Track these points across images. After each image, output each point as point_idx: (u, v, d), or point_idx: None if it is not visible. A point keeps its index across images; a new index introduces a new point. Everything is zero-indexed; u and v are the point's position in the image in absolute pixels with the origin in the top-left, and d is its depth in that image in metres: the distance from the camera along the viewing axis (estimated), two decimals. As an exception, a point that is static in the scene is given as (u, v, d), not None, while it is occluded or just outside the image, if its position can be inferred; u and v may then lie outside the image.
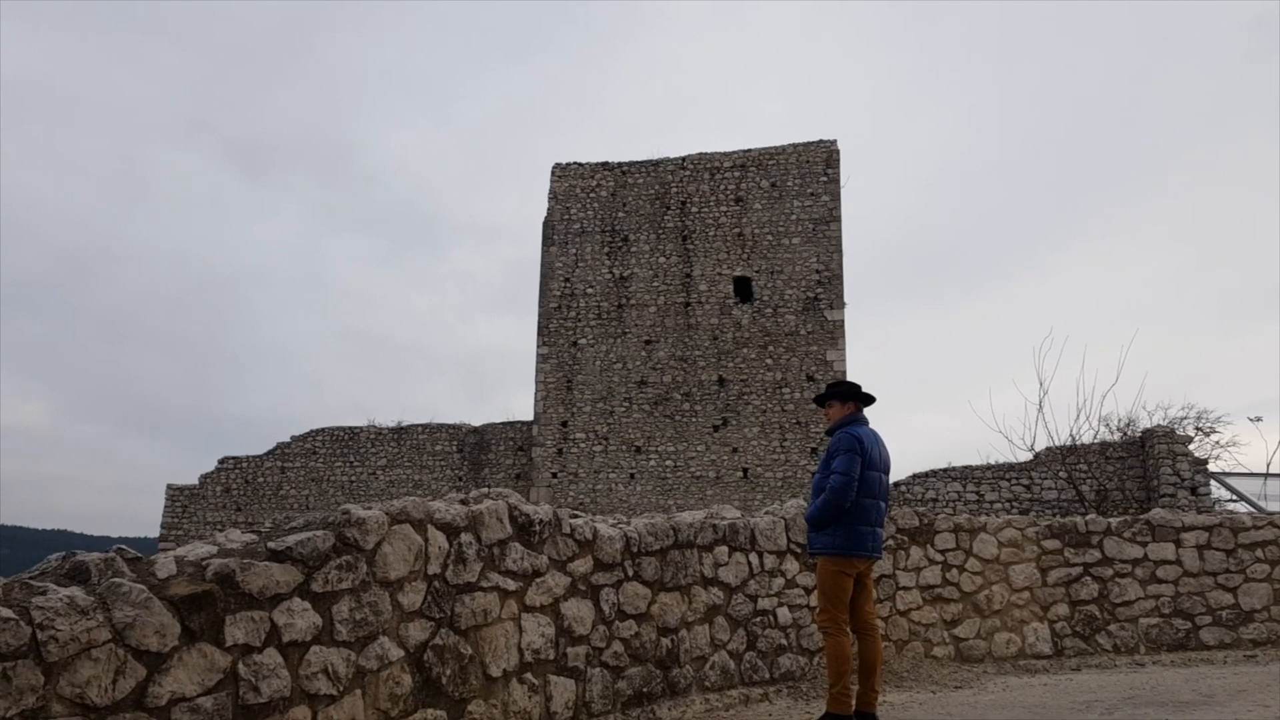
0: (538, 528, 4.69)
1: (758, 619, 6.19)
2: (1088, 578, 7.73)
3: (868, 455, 5.11)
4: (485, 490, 4.71)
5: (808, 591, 6.51)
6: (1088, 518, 7.97)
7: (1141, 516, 8.01)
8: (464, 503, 4.46)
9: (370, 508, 3.91)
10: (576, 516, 5.18)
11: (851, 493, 5.01)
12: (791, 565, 6.55)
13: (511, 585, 4.49)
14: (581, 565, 4.99)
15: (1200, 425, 19.00)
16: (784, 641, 6.31)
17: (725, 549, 6.10)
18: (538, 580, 4.67)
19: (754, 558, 6.31)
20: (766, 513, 6.80)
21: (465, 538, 4.25)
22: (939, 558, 7.47)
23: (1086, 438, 18.13)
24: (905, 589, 7.27)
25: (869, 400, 5.51)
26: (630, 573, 5.35)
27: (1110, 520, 7.95)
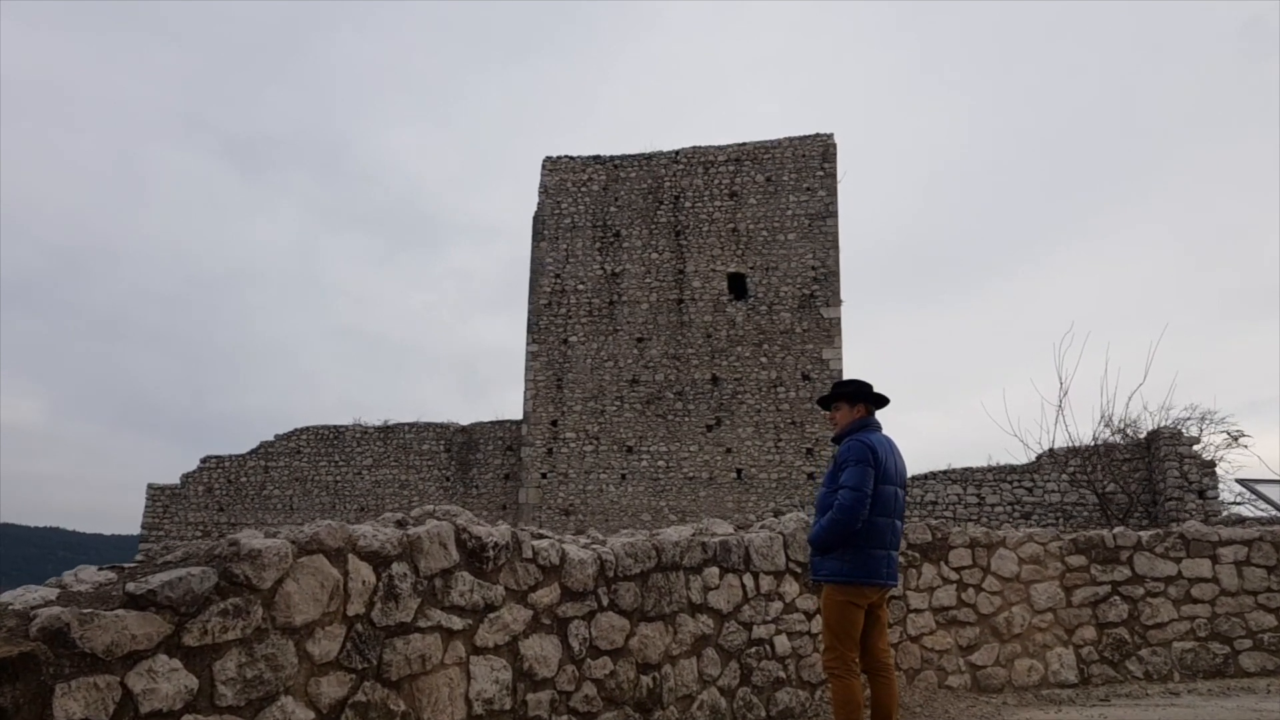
0: (491, 553, 3.94)
1: (752, 649, 5.44)
2: (1116, 597, 7.00)
3: (882, 467, 4.35)
4: (430, 509, 3.96)
5: (809, 616, 5.78)
6: (1116, 531, 7.24)
7: (1175, 530, 7.28)
8: (400, 525, 3.71)
9: (276, 533, 3.16)
10: (541, 537, 4.42)
11: (864, 510, 4.25)
12: (791, 587, 5.81)
13: (458, 623, 3.74)
14: (546, 595, 4.24)
15: (1228, 429, 18.32)
16: (782, 674, 5.57)
17: (716, 570, 5.35)
18: (491, 615, 3.92)
19: (748, 579, 5.56)
20: (762, 527, 6.05)
21: (398, 568, 3.49)
22: (954, 576, 6.72)
23: (1114, 440, 17.53)
24: (917, 611, 6.53)
25: (882, 401, 4.75)
26: (605, 601, 4.59)
27: (1141, 534, 7.22)
